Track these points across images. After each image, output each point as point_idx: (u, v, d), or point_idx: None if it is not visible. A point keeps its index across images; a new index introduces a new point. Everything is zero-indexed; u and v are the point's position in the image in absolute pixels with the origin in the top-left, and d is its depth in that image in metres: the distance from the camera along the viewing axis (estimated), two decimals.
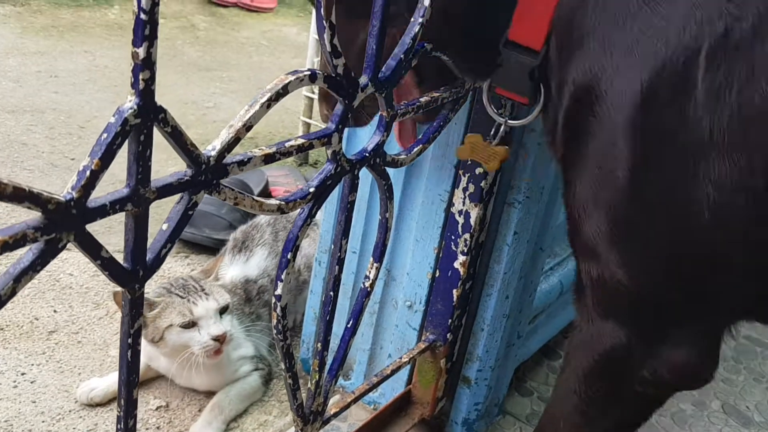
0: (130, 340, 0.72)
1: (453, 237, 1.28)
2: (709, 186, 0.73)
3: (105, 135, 0.62)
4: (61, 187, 0.64)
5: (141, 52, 0.60)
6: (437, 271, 1.32)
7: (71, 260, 1.91)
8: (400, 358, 1.32)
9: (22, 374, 1.54)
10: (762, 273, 0.79)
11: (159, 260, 0.72)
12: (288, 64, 3.90)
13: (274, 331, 0.95)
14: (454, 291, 1.31)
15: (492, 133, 1.10)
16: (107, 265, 0.66)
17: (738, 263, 0.78)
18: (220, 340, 1.44)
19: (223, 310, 1.48)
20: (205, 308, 1.45)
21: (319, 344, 1.04)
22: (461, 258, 1.28)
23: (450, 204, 1.26)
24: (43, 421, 1.44)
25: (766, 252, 0.77)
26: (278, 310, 0.93)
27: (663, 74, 0.74)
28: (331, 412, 1.17)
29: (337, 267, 0.99)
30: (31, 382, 1.52)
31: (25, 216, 0.58)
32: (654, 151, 0.77)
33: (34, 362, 1.58)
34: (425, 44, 0.94)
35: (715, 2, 0.72)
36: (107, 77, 3.17)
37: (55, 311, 1.74)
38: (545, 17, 0.86)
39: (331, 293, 1.01)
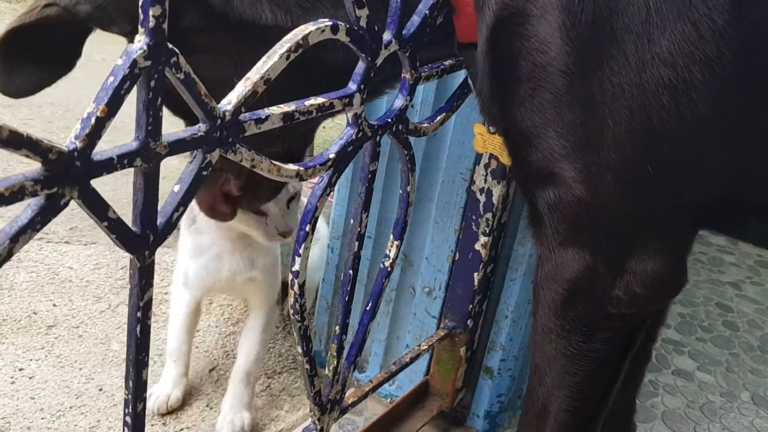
0: (139, 314, 0.65)
1: (474, 217, 1.21)
2: (659, 67, 0.68)
3: (111, 78, 0.55)
4: None
5: None
6: (457, 254, 1.25)
7: (71, 253, 1.84)
8: (419, 346, 1.25)
9: (20, 370, 1.47)
10: (723, 165, 0.74)
11: (171, 225, 0.65)
12: None
13: (291, 311, 0.88)
14: (475, 274, 1.24)
15: None
16: (114, 227, 0.59)
17: (701, 151, 0.73)
18: (286, 236, 1.30)
19: (291, 199, 1.32)
20: (276, 199, 1.27)
21: (337, 327, 0.97)
22: (483, 239, 1.21)
23: (471, 182, 1.20)
24: (42, 418, 1.37)
25: (731, 135, 0.72)
26: (296, 287, 0.86)
27: None
28: (349, 402, 1.10)
29: (356, 243, 0.92)
30: (30, 378, 1.45)
31: None
32: (589, 48, 0.71)
33: (33, 357, 1.51)
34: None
35: None
36: (104, 71, 3.08)
37: (54, 305, 1.67)
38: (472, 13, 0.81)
39: (351, 272, 0.94)
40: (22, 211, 0.54)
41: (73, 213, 2.14)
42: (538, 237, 0.84)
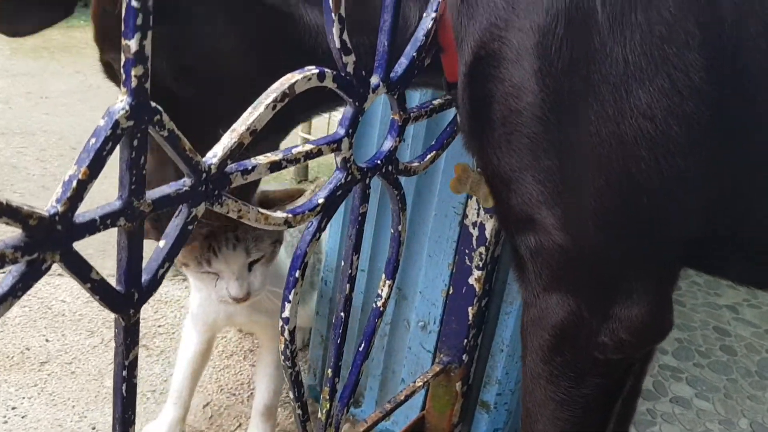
0: (125, 373, 0.64)
1: (467, 251, 1.20)
2: (638, 119, 0.68)
3: (93, 140, 0.54)
4: None
5: (133, 44, 0.53)
6: (451, 287, 1.24)
7: (63, 286, 1.83)
8: (414, 382, 1.24)
9: (13, 408, 1.46)
10: (703, 209, 0.74)
11: (156, 282, 0.64)
12: None
13: (282, 357, 0.87)
14: (470, 309, 1.23)
15: None
16: (98, 288, 0.59)
17: (680, 199, 0.73)
18: (240, 301, 1.21)
19: (255, 261, 1.22)
20: (227, 262, 1.18)
21: (329, 370, 0.96)
22: (476, 273, 1.20)
23: (464, 216, 1.19)
24: None
25: (707, 183, 0.72)
26: (286, 333, 0.85)
27: (551, 11, 0.68)
28: None
29: (347, 286, 0.92)
30: (22, 417, 1.44)
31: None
32: (565, 96, 0.70)
33: (26, 395, 1.49)
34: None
35: None
36: (99, 97, 3.11)
37: (47, 340, 1.65)
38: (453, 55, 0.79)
39: (342, 314, 0.93)
40: (2, 278, 0.53)
41: None
42: (523, 281, 0.83)
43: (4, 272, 0.52)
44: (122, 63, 0.54)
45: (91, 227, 0.56)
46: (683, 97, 0.67)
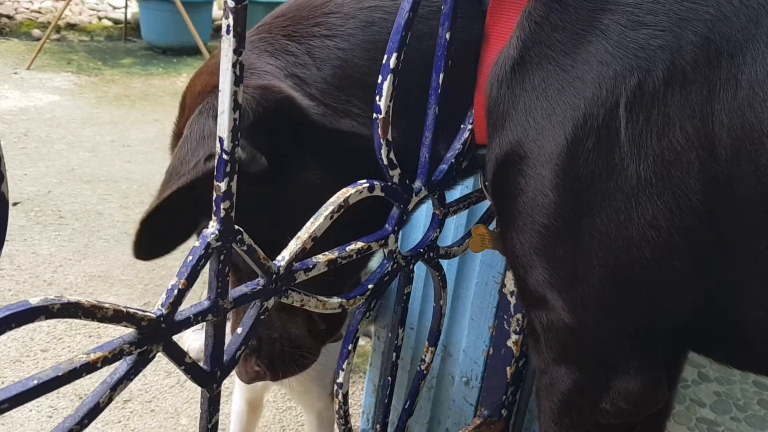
0: None
1: (505, 316, 1.33)
2: (645, 227, 0.80)
3: (190, 258, 0.70)
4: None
5: (222, 185, 0.69)
6: (491, 348, 1.37)
7: None
8: None
9: None
10: (700, 306, 0.85)
11: (234, 361, 0.79)
12: None
13: (336, 416, 1.02)
14: (508, 368, 1.36)
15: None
16: (190, 369, 0.74)
17: (677, 298, 0.84)
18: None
19: None
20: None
21: (377, 426, 1.10)
22: (514, 337, 1.33)
23: (502, 285, 1.32)
24: None
25: (703, 286, 0.83)
26: (340, 396, 0.99)
27: (585, 127, 0.80)
28: None
29: (394, 354, 1.06)
30: None
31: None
32: (584, 198, 0.82)
33: (111, 431, 1.67)
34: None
35: (624, 58, 0.79)
36: None
37: None
38: (481, 112, 0.92)
39: (389, 378, 1.07)
40: (119, 365, 0.69)
41: (147, 288, 2.30)
42: (536, 350, 0.96)
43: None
44: (213, 198, 0.70)
45: (187, 323, 0.72)
46: (684, 213, 0.79)
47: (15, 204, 2.71)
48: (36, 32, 5.22)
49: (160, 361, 1.90)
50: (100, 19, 5.66)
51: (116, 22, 5.63)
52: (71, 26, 5.44)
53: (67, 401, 1.73)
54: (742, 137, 0.77)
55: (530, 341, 0.99)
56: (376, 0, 0.93)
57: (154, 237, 0.87)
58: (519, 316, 1.31)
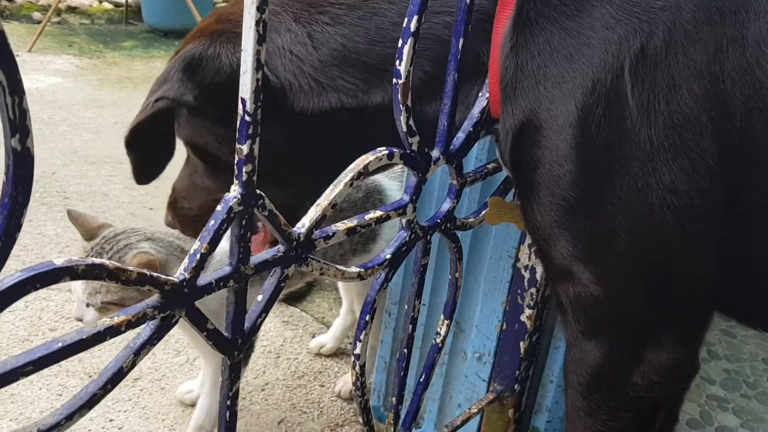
0: (228, 402, 0.79)
1: (519, 291, 1.32)
2: (664, 192, 0.79)
3: (212, 222, 0.69)
4: None
5: (245, 148, 0.68)
6: (504, 323, 1.37)
7: None
8: (470, 408, 1.36)
9: (111, 420, 1.63)
10: (726, 268, 0.84)
11: (255, 329, 0.79)
12: None
13: (353, 388, 1.01)
14: (521, 343, 1.35)
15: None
16: (212, 335, 0.74)
17: (703, 261, 0.84)
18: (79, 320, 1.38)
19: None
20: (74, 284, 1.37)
21: (393, 398, 1.10)
22: (527, 311, 1.32)
23: (516, 259, 1.31)
24: None
25: (727, 247, 0.82)
26: (357, 368, 0.99)
27: (594, 93, 0.80)
28: None
29: (410, 326, 1.05)
30: (119, 429, 1.61)
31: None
32: (600, 166, 0.81)
33: (121, 409, 1.67)
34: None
35: (628, 22, 0.79)
36: None
37: None
38: (495, 83, 0.91)
39: (405, 350, 1.07)
40: (142, 329, 0.68)
41: None
42: (565, 324, 0.95)
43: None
44: (236, 161, 0.69)
45: (209, 288, 0.71)
46: (701, 176, 0.78)
47: None
48: (36, 15, 5.19)
49: (170, 339, 1.91)
50: (100, 2, 5.62)
51: (117, 5, 5.59)
52: (72, 9, 5.41)
53: (77, 379, 1.73)
54: (754, 96, 0.76)
55: (559, 315, 0.98)
56: None
57: (142, 165, 1.08)
58: (533, 290, 1.30)
